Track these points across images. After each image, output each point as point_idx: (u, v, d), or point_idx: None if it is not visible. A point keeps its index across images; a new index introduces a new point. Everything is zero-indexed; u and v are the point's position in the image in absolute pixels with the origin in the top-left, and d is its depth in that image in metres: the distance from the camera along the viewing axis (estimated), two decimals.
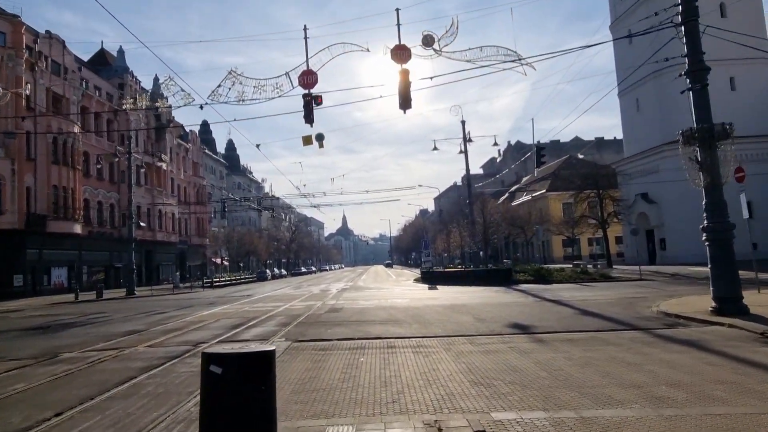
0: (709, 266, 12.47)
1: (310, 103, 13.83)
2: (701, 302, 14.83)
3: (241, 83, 14.25)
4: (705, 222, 12.52)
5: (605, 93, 65.51)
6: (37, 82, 41.99)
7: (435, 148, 39.12)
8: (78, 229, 44.73)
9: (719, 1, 40.16)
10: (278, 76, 14.24)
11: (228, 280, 53.48)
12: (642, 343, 9.72)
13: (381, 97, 14.58)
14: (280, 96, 14.21)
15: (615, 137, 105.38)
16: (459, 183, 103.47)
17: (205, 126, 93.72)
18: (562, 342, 10.09)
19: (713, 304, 12.40)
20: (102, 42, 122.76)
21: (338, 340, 11.39)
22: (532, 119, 40.02)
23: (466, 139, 39.12)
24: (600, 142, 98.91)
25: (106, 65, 57.51)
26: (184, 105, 14.99)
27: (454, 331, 11.97)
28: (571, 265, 40.66)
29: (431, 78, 14.59)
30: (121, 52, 58.40)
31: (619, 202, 42.70)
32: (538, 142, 27.74)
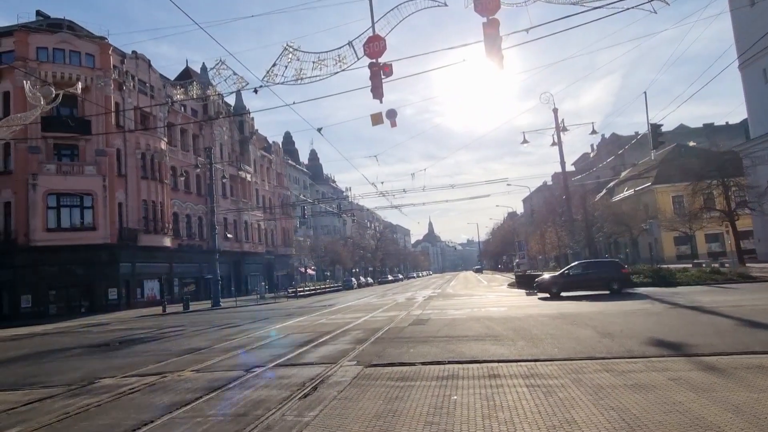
0: None
1: (378, 73, 11.42)
2: None
3: (298, 59, 12.15)
4: None
5: (721, 69, 57.95)
6: (126, 100, 43.20)
7: (525, 141, 35.64)
8: (168, 242, 45.49)
9: None
10: (340, 47, 11.99)
11: (312, 290, 52.49)
12: None
13: (464, 61, 11.73)
14: (343, 70, 11.94)
15: (727, 122, 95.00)
16: (549, 182, 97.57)
17: (288, 137, 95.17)
18: (750, 371, 6.82)
19: None
20: (187, 60, 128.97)
21: (423, 364, 8.76)
22: (645, 92, 35.25)
23: (560, 128, 35.32)
24: (710, 128, 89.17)
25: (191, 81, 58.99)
26: (238, 90, 13.17)
27: (576, 352, 8.95)
28: (690, 265, 35.33)
29: (527, 31, 11.65)
30: (204, 68, 59.75)
31: (750, 189, 36.62)
32: (654, 124, 23.45)
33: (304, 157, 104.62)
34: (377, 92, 11.44)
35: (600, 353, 8.71)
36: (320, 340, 12.93)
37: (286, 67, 12.18)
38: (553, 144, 35.32)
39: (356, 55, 11.74)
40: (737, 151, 42.34)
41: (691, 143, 64.10)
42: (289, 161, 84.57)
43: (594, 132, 36.54)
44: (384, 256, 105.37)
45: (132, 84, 44.27)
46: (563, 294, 22.73)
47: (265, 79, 12.50)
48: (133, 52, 46.30)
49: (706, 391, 6.00)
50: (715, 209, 37.38)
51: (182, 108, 53.13)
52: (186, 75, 61.41)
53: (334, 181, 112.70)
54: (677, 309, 15.01)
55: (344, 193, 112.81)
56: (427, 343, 11.25)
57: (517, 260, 48.48)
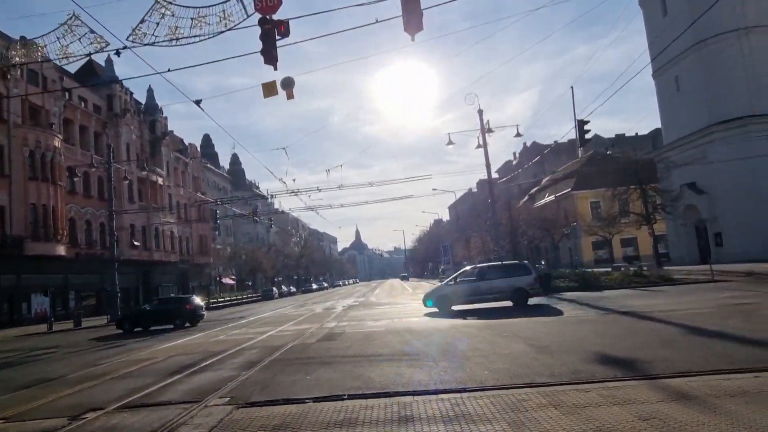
0: None
1: (272, 32, 9.26)
2: None
3: (173, 14, 9.75)
4: None
5: (627, 80, 60.19)
6: (11, 90, 38.16)
7: (450, 142, 34.55)
8: (62, 250, 40.50)
9: None
10: (225, 1, 9.72)
11: (228, 300, 48.96)
12: None
13: (377, 21, 9.74)
14: (229, 29, 9.67)
15: (636, 133, 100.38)
16: (474, 189, 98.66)
17: (207, 140, 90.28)
18: (734, 400, 5.23)
19: None
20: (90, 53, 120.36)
21: (315, 400, 6.62)
22: (572, 87, 35.31)
23: (485, 130, 34.52)
24: (622, 139, 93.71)
25: (94, 75, 53.88)
26: (96, 52, 10.54)
27: (512, 376, 7.14)
28: (609, 269, 35.45)
29: None
30: (109, 62, 54.74)
31: (664, 194, 37.46)
32: (580, 120, 22.81)
33: (225, 162, 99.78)
34: (269, 56, 9.25)
35: (541, 377, 6.94)
36: (203, 365, 10.47)
37: (158, 24, 9.74)
38: (479, 146, 34.45)
39: (245, 12, 9.50)
40: (652, 157, 43.52)
41: (608, 152, 66.30)
42: (208, 165, 79.93)
43: (518, 134, 35.84)
44: (309, 263, 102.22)
45: (19, 73, 39.23)
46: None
47: (131, 38, 9.99)
48: (22, 37, 41.19)
49: None
50: (633, 213, 37.90)
51: (82, 103, 48.15)
52: (89, 67, 56.06)
53: (257, 187, 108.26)
54: (611, 315, 13.79)
55: (268, 199, 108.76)
56: (332, 365, 9.12)
57: (443, 266, 47.37)
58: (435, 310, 18.65)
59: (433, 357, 9.08)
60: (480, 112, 34.28)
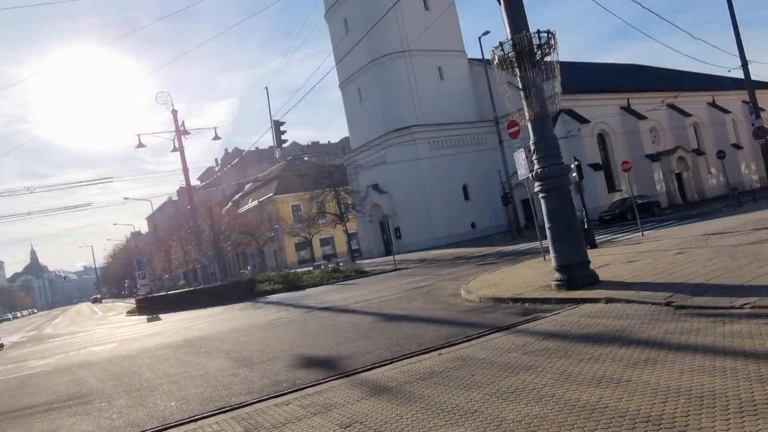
0: (547, 226, 9.31)
1: None
2: (519, 278, 12.00)
3: None
4: (536, 167, 9.31)
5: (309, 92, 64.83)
6: None
7: (141, 145, 31.29)
8: None
9: None
10: None
11: None
12: (558, 354, 5.53)
13: None
14: None
15: (329, 141, 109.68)
16: (175, 198, 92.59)
17: None
18: (425, 383, 5.25)
19: (557, 275, 9.27)
20: None
21: None
22: (266, 87, 35.50)
23: (181, 132, 32.25)
24: (317, 146, 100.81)
25: None
26: None
27: (204, 401, 6.06)
28: (311, 267, 37.15)
29: None
30: None
31: (354, 194, 41.13)
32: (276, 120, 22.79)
33: None
34: None
35: (238, 396, 6.04)
36: None
37: None
38: (174, 149, 31.96)
39: None
40: (343, 162, 47.41)
41: (306, 158, 70.14)
42: None
43: (217, 137, 34.45)
44: None
45: None
46: (184, 313, 19.59)
47: None
48: None
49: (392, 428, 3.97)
50: (329, 213, 40.54)
51: None
52: None
53: None
54: (313, 312, 13.86)
55: None
56: None
57: (139, 283, 42.61)
58: (147, 318, 16.06)
59: (109, 396, 7.31)
60: (174, 112, 31.81)
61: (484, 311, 9.17)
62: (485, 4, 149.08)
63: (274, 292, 24.54)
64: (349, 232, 46.96)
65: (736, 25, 24.07)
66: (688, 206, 36.47)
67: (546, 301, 8.80)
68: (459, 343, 6.88)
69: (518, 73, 9.21)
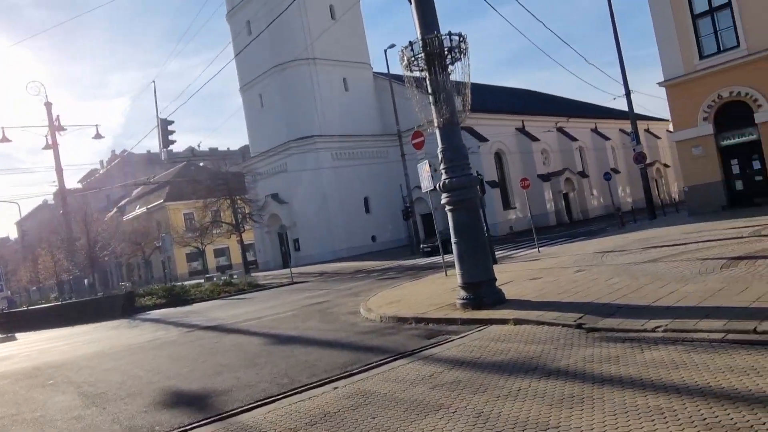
0: (454, 240, 8.74)
1: None
2: (422, 295, 11.37)
3: None
4: (444, 177, 8.74)
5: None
6: None
7: (5, 140, 27.57)
8: None
9: (329, 2, 41.13)
10: None
11: None
12: (472, 388, 4.81)
13: None
14: None
15: (228, 148, 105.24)
16: (51, 201, 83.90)
17: None
18: (314, 428, 4.30)
19: (463, 293, 8.71)
20: None
21: None
22: (153, 81, 32.55)
23: (55, 127, 28.94)
24: (216, 153, 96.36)
25: None
26: None
27: None
28: (203, 280, 34.74)
29: None
30: None
31: (252, 204, 39.22)
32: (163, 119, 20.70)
33: None
34: None
35: None
36: None
37: None
38: (47, 146, 28.50)
39: None
40: (241, 169, 45.21)
41: (201, 164, 66.36)
42: None
43: (99, 136, 31.26)
44: None
45: None
46: (47, 332, 17.02)
47: None
48: None
49: None
50: (225, 222, 38.33)
51: None
52: None
53: None
54: (195, 332, 12.35)
55: None
56: None
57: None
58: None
59: None
60: (48, 105, 28.45)
61: (386, 332, 8.38)
62: (392, 21, 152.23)
63: (156, 307, 22.26)
64: (246, 242, 44.77)
65: (622, 60, 25.82)
66: (574, 224, 38.62)
67: (452, 321, 8.19)
68: (357, 373, 5.99)
69: (428, 77, 8.63)
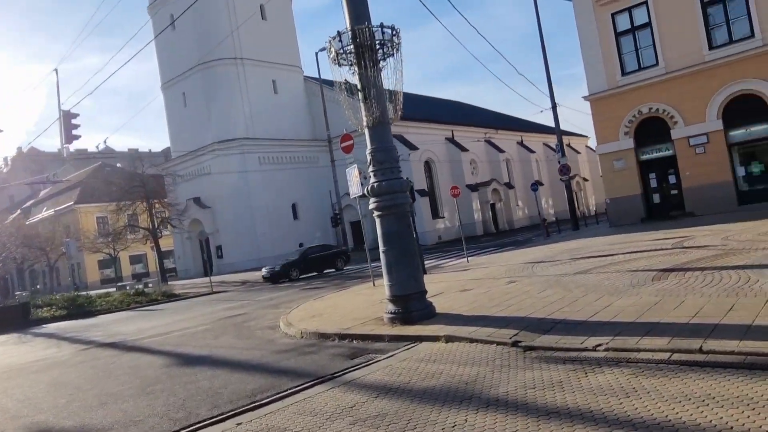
0: (382, 249, 8.06)
1: None
2: (348, 307, 10.61)
3: None
4: (372, 181, 8.06)
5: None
6: None
7: None
8: None
9: (259, 2, 39.75)
10: None
11: None
12: (399, 424, 4.11)
13: None
14: None
15: (150, 150, 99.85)
16: None
17: None
18: None
19: (391, 307, 8.04)
20: None
21: None
22: (56, 70, 30.06)
23: None
24: (135, 154, 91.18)
25: None
26: None
27: None
28: (114, 289, 32.25)
29: None
30: None
31: (172, 208, 36.92)
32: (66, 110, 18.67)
33: None
34: None
35: None
36: None
37: None
38: None
39: None
40: (160, 171, 42.63)
41: (118, 164, 62.37)
42: None
43: None
44: None
45: None
46: None
47: None
48: None
49: None
50: (140, 227, 35.84)
51: None
52: None
53: None
54: (91, 350, 10.92)
55: None
56: None
57: None
58: None
59: None
60: None
61: (305, 351, 7.54)
62: (325, 26, 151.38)
63: (55, 319, 20.11)
64: (167, 249, 42.27)
65: (549, 74, 26.39)
66: (501, 234, 39.25)
67: (378, 338, 7.48)
68: (267, 404, 5.14)
69: (357, 71, 7.94)
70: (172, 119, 41.40)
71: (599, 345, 5.44)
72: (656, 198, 20.58)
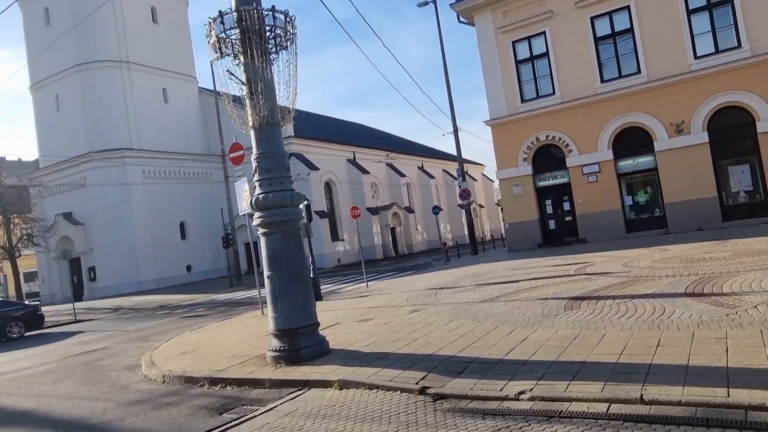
0: (267, 274, 6.73)
1: None
2: (228, 340, 9.06)
3: None
4: (258, 192, 6.75)
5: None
6: None
7: None
8: None
9: (150, 4, 36.90)
10: None
11: None
12: None
13: None
14: None
15: (20, 159, 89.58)
16: None
17: None
18: None
19: (276, 343, 6.70)
20: None
21: None
22: None
23: None
24: (2, 162, 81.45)
25: None
26: None
27: None
28: None
29: None
30: None
31: (36, 222, 32.49)
32: None
33: None
34: None
35: None
36: None
37: None
38: None
39: None
40: (25, 182, 37.69)
41: None
42: None
43: None
44: None
45: None
46: None
47: None
48: None
49: None
50: None
51: None
52: None
53: None
54: None
55: None
56: None
57: None
58: None
59: None
60: None
61: (163, 403, 5.97)
62: None
63: None
64: (31, 270, 37.36)
65: (451, 99, 26.50)
66: (400, 258, 38.83)
67: (258, 383, 6.11)
68: None
69: (242, 61, 6.66)
70: (41, 124, 36.83)
71: (522, 392, 4.53)
72: (552, 224, 20.94)
